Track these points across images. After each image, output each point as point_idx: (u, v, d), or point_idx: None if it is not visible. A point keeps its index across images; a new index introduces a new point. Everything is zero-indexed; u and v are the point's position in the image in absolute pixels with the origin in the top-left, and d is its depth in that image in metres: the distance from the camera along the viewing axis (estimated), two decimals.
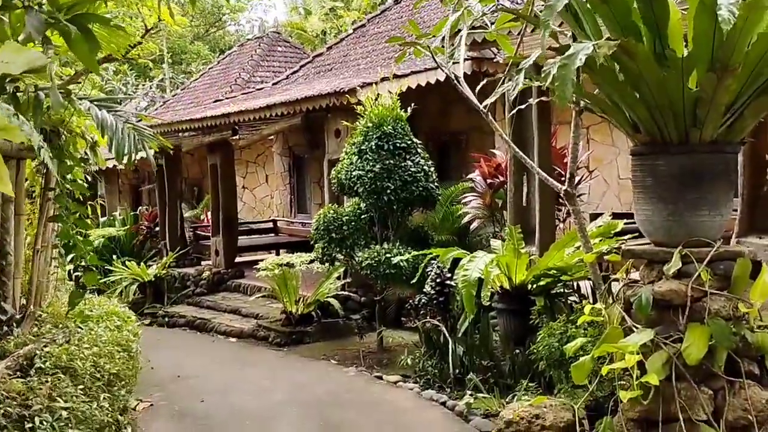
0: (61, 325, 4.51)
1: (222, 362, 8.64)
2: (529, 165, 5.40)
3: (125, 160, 4.95)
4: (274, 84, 16.47)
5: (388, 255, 7.89)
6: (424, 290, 6.92)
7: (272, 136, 16.61)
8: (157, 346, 9.91)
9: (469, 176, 9.20)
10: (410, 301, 7.35)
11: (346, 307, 10.30)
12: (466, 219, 9.09)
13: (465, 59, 10.71)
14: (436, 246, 9.28)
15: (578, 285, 6.68)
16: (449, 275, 6.79)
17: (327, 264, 8.67)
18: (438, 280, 6.71)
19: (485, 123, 6.61)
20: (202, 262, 14.44)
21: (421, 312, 7.03)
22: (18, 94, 4.57)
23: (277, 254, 13.88)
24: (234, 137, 12.28)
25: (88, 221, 5.57)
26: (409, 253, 7.74)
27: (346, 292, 10.16)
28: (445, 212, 9.87)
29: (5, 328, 4.15)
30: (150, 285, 13.40)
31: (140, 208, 17.35)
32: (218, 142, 12.91)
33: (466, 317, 6.78)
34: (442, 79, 10.32)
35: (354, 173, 8.14)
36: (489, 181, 8.82)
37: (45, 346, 3.80)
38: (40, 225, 5.23)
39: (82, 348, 3.79)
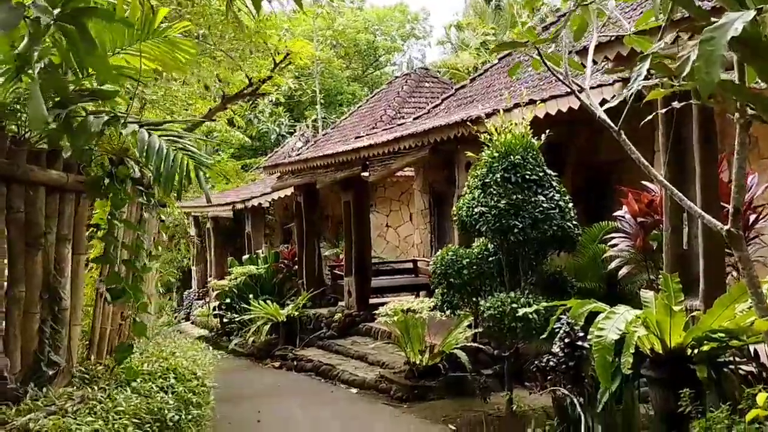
0: (101, 384, 3.94)
1: (332, 420, 7.84)
2: (677, 198, 4.15)
3: (175, 192, 4.34)
4: (415, 119, 15.86)
5: (514, 305, 6.76)
6: (552, 351, 5.73)
7: (413, 173, 15.98)
8: (274, 394, 9.39)
9: (616, 213, 7.84)
10: (537, 361, 6.17)
11: (477, 360, 9.19)
12: (612, 264, 7.73)
13: (612, 81, 9.47)
14: (578, 295, 8.03)
15: (756, 351, 5.20)
16: (582, 334, 5.55)
17: (448, 312, 7.67)
18: (567, 340, 5.50)
19: (642, 153, 5.43)
20: (339, 303, 13.94)
21: (549, 377, 5.84)
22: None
23: (417, 296, 13.08)
24: (364, 173, 11.70)
25: (146, 263, 5.04)
26: (538, 304, 6.56)
27: (477, 344, 9.06)
28: (590, 255, 8.55)
29: (25, 387, 3.61)
30: (283, 325, 13.06)
31: (282, 246, 17.30)
32: (350, 178, 12.41)
33: (607, 387, 5.49)
34: (576, 106, 9.12)
35: (476, 210, 7.14)
36: (640, 219, 7.43)
37: (49, 415, 3.20)
38: (104, 266, 4.76)
39: (83, 419, 3.14)
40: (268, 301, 13.52)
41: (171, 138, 4.10)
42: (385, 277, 15.05)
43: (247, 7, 10.06)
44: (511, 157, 7.20)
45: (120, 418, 3.30)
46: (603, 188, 11.11)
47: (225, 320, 15.24)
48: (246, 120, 27.67)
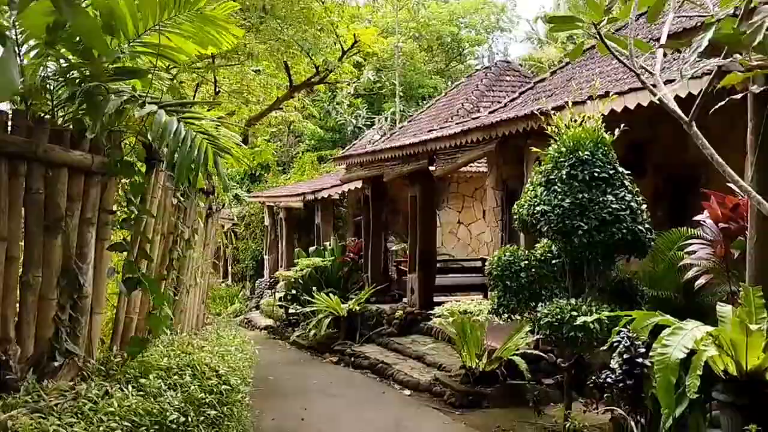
0: (115, 378, 3.73)
1: (377, 424, 7.50)
2: (755, 202, 3.59)
3: (192, 178, 4.08)
4: (490, 112, 15.29)
5: (574, 312, 6.22)
6: (610, 366, 5.19)
7: (486, 169, 15.43)
8: (325, 391, 9.16)
9: (696, 218, 7.14)
10: (595, 376, 5.62)
11: (538, 368, 8.67)
12: (689, 273, 7.03)
13: (703, 73, 8.69)
14: (650, 305, 7.39)
15: None
16: (644, 350, 4.99)
17: (505, 317, 7.18)
18: (626, 356, 4.95)
19: (732, 153, 4.82)
20: (403, 300, 13.61)
21: (606, 394, 5.29)
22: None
23: (485, 296, 12.59)
24: (431, 167, 11.30)
25: (180, 253, 4.82)
26: (599, 313, 6.01)
27: (538, 351, 8.52)
28: (666, 263, 7.86)
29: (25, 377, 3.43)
30: (344, 320, 12.84)
31: (349, 238, 17.11)
32: (417, 171, 12.03)
33: (670, 411, 4.92)
34: (653, 102, 8.38)
35: (537, 208, 6.62)
36: (722, 225, 6.71)
37: (33, 413, 2.99)
38: (131, 253, 4.56)
39: (64, 420, 2.90)
40: (331, 295, 13.33)
41: (192, 121, 3.85)
42: (452, 275, 14.59)
43: None
44: (579, 152, 6.64)
45: (108, 421, 3.06)
46: (688, 191, 10.29)
47: (290, 311, 15.19)
48: (324, 112, 27.76)
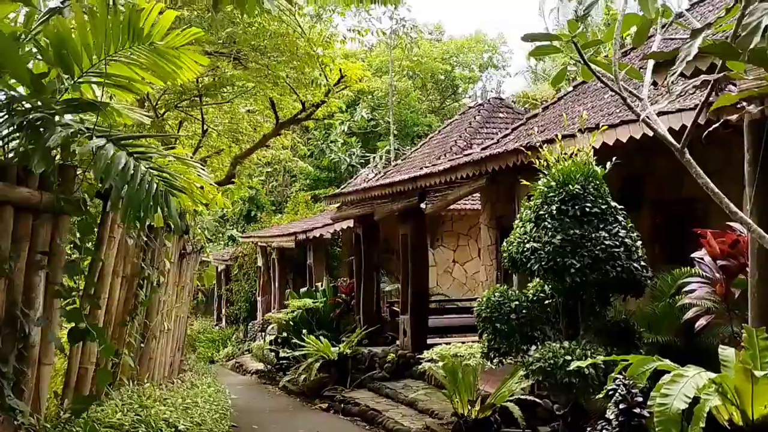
0: None
1: None
2: (756, 236, 3.28)
3: (142, 218, 3.74)
4: (483, 149, 15.08)
5: (567, 357, 5.85)
6: (606, 416, 4.81)
7: (480, 207, 15.16)
8: None
9: (693, 255, 6.82)
10: (590, 428, 5.24)
11: (534, 414, 8.24)
12: (689, 314, 6.68)
13: (696, 105, 8.46)
14: (649, 348, 7.02)
15: None
16: (641, 399, 4.62)
17: (496, 361, 6.80)
18: (623, 406, 4.58)
19: (731, 188, 4.52)
20: (397, 342, 13.19)
21: None
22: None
23: (480, 337, 12.19)
24: (422, 204, 11.01)
25: (145, 296, 4.50)
26: (594, 357, 5.64)
27: (534, 397, 8.10)
28: (665, 303, 7.50)
29: None
30: (335, 364, 12.39)
31: (340, 279, 16.74)
32: (408, 209, 11.74)
33: None
34: (646, 134, 8.15)
35: (527, 245, 6.30)
36: (721, 263, 6.39)
37: None
38: (87, 299, 4.23)
39: None
40: (322, 338, 12.91)
41: (144, 156, 3.55)
42: (447, 315, 14.22)
43: (300, 28, 9.70)
44: (569, 186, 6.34)
45: None
46: (686, 227, 9.99)
47: (280, 355, 14.74)
48: (318, 150, 27.61)
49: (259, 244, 21.41)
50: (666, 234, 10.29)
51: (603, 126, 7.14)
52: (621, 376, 4.75)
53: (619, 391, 4.65)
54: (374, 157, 27.18)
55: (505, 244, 6.75)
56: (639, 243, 6.50)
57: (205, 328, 25.22)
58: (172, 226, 5.22)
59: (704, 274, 6.59)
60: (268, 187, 28.44)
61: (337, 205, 15.15)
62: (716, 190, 3.33)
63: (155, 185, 3.42)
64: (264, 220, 25.44)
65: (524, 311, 6.55)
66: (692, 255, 6.90)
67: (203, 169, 4.98)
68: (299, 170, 19.35)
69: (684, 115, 8.50)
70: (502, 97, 22.11)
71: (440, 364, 8.04)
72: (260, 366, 16.23)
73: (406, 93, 32.31)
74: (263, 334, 17.89)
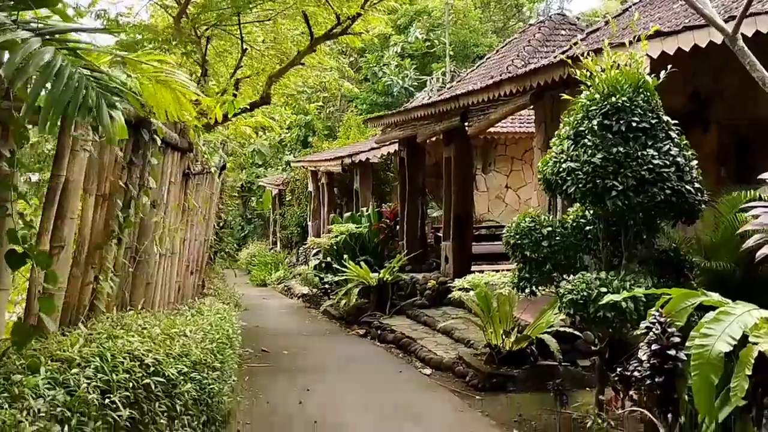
0: None
1: (379, 410, 6.67)
2: None
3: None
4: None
5: (603, 289, 5.21)
6: (638, 356, 4.21)
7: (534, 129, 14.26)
8: (339, 369, 8.45)
9: (761, 176, 5.96)
10: (621, 367, 4.64)
11: (574, 347, 7.73)
12: (750, 241, 5.89)
13: None
14: (702, 279, 6.31)
15: None
16: (678, 339, 3.98)
17: (527, 292, 6.22)
18: (656, 347, 3.95)
19: None
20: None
21: (633, 388, 4.32)
22: None
23: None
24: (464, 123, 10.29)
25: (128, 217, 4.08)
26: (632, 289, 5.00)
27: (573, 330, 7.54)
28: (725, 229, 6.70)
29: None
30: (375, 290, 12.06)
31: (386, 204, 16.24)
32: (451, 131, 11.04)
33: (711, 419, 3.90)
34: (718, 40, 7.15)
35: (563, 165, 5.59)
36: None
37: None
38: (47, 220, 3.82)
39: None
40: (362, 263, 12.56)
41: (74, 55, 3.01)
42: (497, 242, 13.61)
43: None
44: (614, 98, 5.55)
45: None
46: (757, 149, 9.02)
47: (324, 280, 14.52)
48: (371, 73, 26.73)
49: (309, 168, 21.08)
50: (734, 157, 9.36)
51: (664, 35, 6.22)
52: (658, 313, 4.11)
53: (653, 329, 4.02)
54: (430, 80, 26.16)
55: (540, 164, 6.05)
56: (694, 162, 5.69)
57: (260, 251, 25.38)
58: (158, 142, 4.75)
59: None
60: (325, 113, 27.92)
61: (382, 128, 14.53)
62: None
63: (85, 88, 2.89)
64: (317, 146, 25.05)
65: (558, 238, 5.89)
66: (760, 176, 6.06)
67: (187, 78, 4.45)
68: (346, 92, 18.58)
69: (758, 20, 7.49)
70: (564, 13, 20.71)
71: (472, 293, 7.52)
72: (306, 290, 16.12)
73: (465, 12, 30.75)
74: (307, 258, 17.74)
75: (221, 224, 13.65)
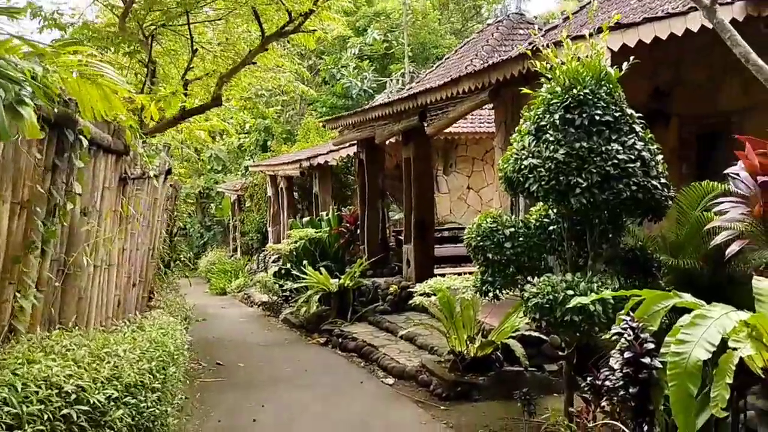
0: None
1: (340, 425, 6.31)
2: None
3: None
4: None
5: (569, 291, 4.94)
6: (609, 364, 3.93)
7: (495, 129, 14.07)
8: (296, 381, 8.07)
9: (728, 171, 5.76)
10: (590, 376, 4.37)
11: (540, 351, 7.47)
12: (718, 238, 5.68)
13: None
14: (669, 278, 6.10)
15: None
16: (653, 345, 3.70)
17: (490, 296, 5.92)
18: (628, 355, 3.67)
19: None
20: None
21: (605, 398, 4.04)
22: None
23: None
24: (422, 123, 9.99)
25: (49, 225, 3.66)
26: (600, 291, 4.74)
27: (539, 333, 7.28)
28: (690, 226, 6.50)
29: None
30: (335, 296, 11.68)
31: (347, 208, 15.89)
32: (410, 130, 10.74)
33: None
34: (695, 28, 6.99)
35: (525, 162, 5.31)
36: (762, 178, 5.34)
37: None
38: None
39: None
40: (322, 269, 12.17)
41: None
42: (460, 245, 13.37)
43: None
44: (576, 90, 5.29)
45: None
46: (719, 142, 8.90)
47: (283, 287, 14.08)
48: (329, 75, 26.35)
49: (268, 173, 20.61)
50: (696, 151, 9.23)
51: (623, 25, 6.00)
52: (629, 317, 3.83)
53: (625, 335, 3.74)
54: (389, 82, 25.88)
55: (500, 161, 5.77)
56: (659, 157, 5.47)
57: (219, 259, 24.80)
58: (85, 143, 4.33)
59: (739, 192, 5.56)
60: (285, 117, 27.46)
61: (340, 129, 14.18)
62: (760, 62, 2.33)
63: None
64: (276, 150, 24.57)
65: (521, 239, 5.61)
66: (726, 171, 5.86)
67: (113, 72, 4.04)
68: (302, 93, 18.19)
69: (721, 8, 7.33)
70: (522, 12, 20.60)
71: (433, 298, 7.21)
72: (266, 298, 15.65)
73: (424, 13, 30.58)
74: (267, 265, 17.28)
75: (174, 231, 13.16)
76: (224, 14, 12.35)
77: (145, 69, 10.40)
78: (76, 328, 4.61)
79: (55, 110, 3.90)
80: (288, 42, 15.71)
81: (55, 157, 4.24)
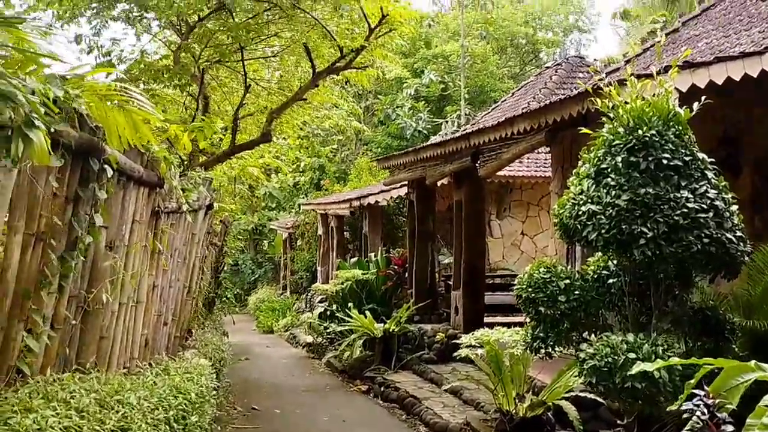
0: None
1: None
2: None
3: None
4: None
5: (631, 354, 4.42)
6: None
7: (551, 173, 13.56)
8: None
9: None
10: None
11: (596, 415, 6.84)
12: None
13: None
14: (742, 343, 5.51)
15: None
16: (732, 427, 3.18)
17: (542, 353, 5.42)
18: None
19: None
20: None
21: None
22: None
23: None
24: (475, 164, 9.62)
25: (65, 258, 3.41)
26: (667, 357, 4.22)
27: (594, 395, 6.68)
28: (765, 285, 5.92)
29: None
30: (380, 342, 11.25)
31: (395, 250, 15.50)
32: (461, 172, 10.37)
33: None
34: (754, 73, 6.48)
35: (583, 208, 4.86)
36: None
37: None
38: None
39: None
40: (367, 312, 11.78)
41: None
42: (508, 293, 12.81)
43: None
44: (641, 131, 4.84)
45: None
46: None
47: (328, 329, 13.71)
48: (385, 115, 26.31)
49: (319, 212, 20.47)
50: None
51: (693, 65, 5.56)
52: (702, 392, 3.31)
53: (697, 413, 3.23)
54: (444, 123, 25.65)
55: (556, 206, 5.33)
56: (734, 207, 4.95)
57: (268, 297, 24.68)
58: (110, 173, 4.10)
59: None
60: (340, 156, 27.52)
61: (391, 169, 13.90)
62: None
63: None
64: (328, 188, 24.51)
65: (577, 292, 5.12)
66: None
67: (144, 98, 3.81)
68: (355, 131, 18.07)
69: None
70: (582, 55, 20.21)
71: (479, 351, 6.72)
72: (310, 339, 15.30)
73: (484, 57, 30.44)
74: (314, 305, 16.98)
75: (221, 268, 13.00)
76: (279, 51, 12.36)
77: (196, 102, 10.37)
78: (95, 369, 4.33)
79: (76, 135, 3.67)
80: (347, 83, 15.70)
81: (78, 188, 4.01)
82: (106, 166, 4.09)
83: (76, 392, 3.55)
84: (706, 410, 3.19)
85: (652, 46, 12.75)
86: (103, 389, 3.77)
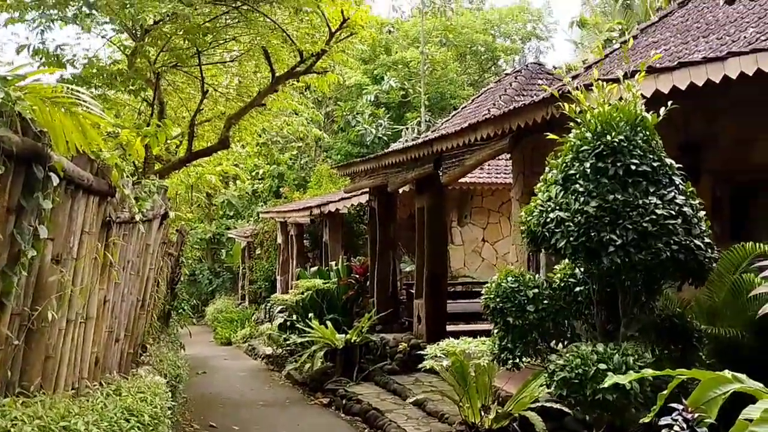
0: None
1: None
2: None
3: None
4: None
5: (602, 365, 4.32)
6: None
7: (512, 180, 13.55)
8: None
9: None
10: None
11: (562, 425, 6.76)
12: (766, 308, 5.07)
13: None
14: (710, 351, 5.47)
15: None
16: None
17: (509, 364, 5.30)
18: None
19: None
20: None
21: None
22: None
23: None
24: (437, 171, 9.51)
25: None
26: (637, 367, 4.13)
27: (561, 405, 6.59)
28: (728, 290, 5.90)
29: None
30: (341, 352, 11.03)
31: (356, 258, 15.31)
32: (423, 178, 10.25)
33: None
34: (734, 74, 6.50)
35: (551, 215, 4.76)
36: None
37: None
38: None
39: None
40: (328, 323, 11.56)
41: None
42: (474, 300, 12.73)
43: None
44: (609, 137, 4.77)
45: None
46: (754, 201, 8.31)
47: (288, 340, 13.44)
48: (345, 122, 26.13)
49: (278, 220, 20.17)
50: (730, 210, 8.63)
51: (656, 70, 5.53)
52: (681, 406, 3.20)
53: (676, 427, 3.12)
54: (404, 130, 25.57)
55: (523, 213, 5.23)
56: (702, 213, 4.91)
57: (226, 307, 24.20)
58: (56, 181, 3.84)
59: None
60: (299, 163, 27.22)
61: (352, 176, 13.73)
62: None
63: None
64: (287, 196, 24.20)
65: (546, 302, 5.02)
66: None
67: (92, 101, 3.57)
68: (315, 137, 17.85)
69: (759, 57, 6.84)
70: (541, 62, 20.31)
71: (444, 362, 6.58)
72: (270, 350, 15.00)
73: (444, 64, 30.52)
74: (273, 315, 16.67)
75: (176, 279, 12.63)
76: (237, 56, 12.09)
77: (151, 108, 10.04)
78: (41, 392, 4.04)
79: (18, 141, 3.41)
80: (307, 89, 15.48)
81: (20, 197, 3.73)
82: (51, 173, 3.82)
83: (18, 419, 3.28)
84: (685, 425, 3.09)
85: (612, 52, 12.86)
86: (48, 414, 3.50)
